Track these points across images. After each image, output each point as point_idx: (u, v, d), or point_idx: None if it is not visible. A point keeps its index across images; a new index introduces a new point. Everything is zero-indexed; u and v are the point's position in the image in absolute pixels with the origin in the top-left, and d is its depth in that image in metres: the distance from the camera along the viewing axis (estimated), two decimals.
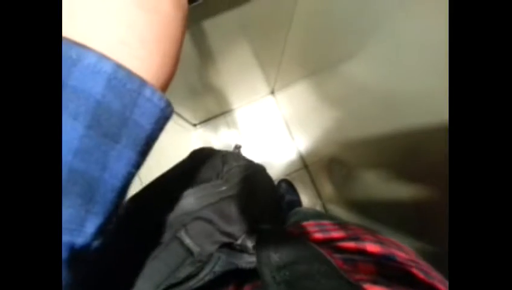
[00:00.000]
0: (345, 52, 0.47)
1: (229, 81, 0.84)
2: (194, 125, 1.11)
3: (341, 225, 0.34)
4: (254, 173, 0.37)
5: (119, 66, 0.12)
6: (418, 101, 0.35)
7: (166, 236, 0.27)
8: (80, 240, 0.13)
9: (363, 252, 0.28)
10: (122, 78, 0.12)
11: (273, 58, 0.78)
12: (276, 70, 0.89)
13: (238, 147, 0.39)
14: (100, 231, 0.13)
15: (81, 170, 0.12)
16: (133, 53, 0.13)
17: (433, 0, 0.25)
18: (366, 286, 0.21)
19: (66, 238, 0.12)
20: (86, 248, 0.13)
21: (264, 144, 1.11)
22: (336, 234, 0.31)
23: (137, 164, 0.14)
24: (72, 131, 0.11)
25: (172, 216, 0.27)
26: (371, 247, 0.28)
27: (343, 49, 0.47)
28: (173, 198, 0.28)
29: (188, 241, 0.27)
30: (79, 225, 0.12)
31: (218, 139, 1.11)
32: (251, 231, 0.29)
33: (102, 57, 0.12)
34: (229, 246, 0.28)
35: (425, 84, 0.32)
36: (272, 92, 1.12)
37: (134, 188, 0.23)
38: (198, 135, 1.11)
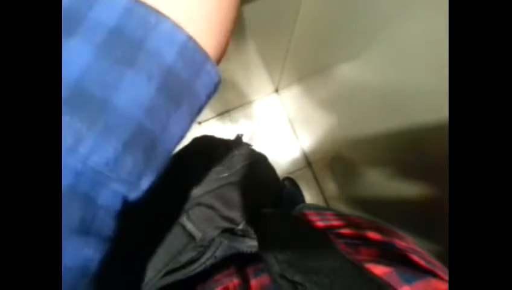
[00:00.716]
0: (348, 52, 0.47)
1: (234, 79, 0.84)
2: (199, 123, 1.12)
3: (342, 215, 0.34)
4: (256, 161, 0.37)
5: (190, 38, 0.13)
6: (419, 99, 0.35)
7: (169, 221, 0.27)
8: (133, 194, 0.13)
9: (364, 238, 0.28)
10: (191, 49, 0.13)
11: (278, 56, 0.79)
12: (281, 69, 0.89)
13: (239, 137, 0.39)
14: (148, 191, 0.14)
15: (148, 126, 0.12)
16: (201, 28, 0.14)
17: (434, 1, 0.26)
18: (368, 265, 0.21)
19: (123, 190, 0.13)
20: (134, 205, 0.14)
21: (268, 142, 1.11)
22: (337, 222, 0.32)
23: (188, 130, 0.15)
24: (146, 90, 0.12)
25: (174, 202, 0.28)
26: (372, 234, 0.28)
27: (347, 49, 0.48)
28: (175, 184, 0.29)
29: (189, 226, 0.27)
30: (137, 179, 0.13)
31: (223, 136, 1.12)
32: (252, 216, 0.29)
33: (176, 26, 0.12)
34: (230, 231, 0.28)
35: (427, 82, 0.32)
36: (276, 90, 1.13)
37: None
38: (202, 132, 1.12)
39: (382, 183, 0.58)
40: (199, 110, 0.15)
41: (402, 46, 0.34)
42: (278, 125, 1.13)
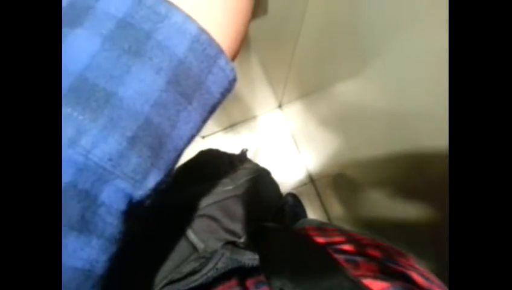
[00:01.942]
0: (350, 69, 0.48)
1: (238, 94, 0.86)
2: (203, 137, 1.13)
3: (343, 231, 0.34)
4: (259, 176, 0.38)
5: (202, 30, 0.12)
6: (422, 121, 0.35)
7: (172, 231, 0.28)
8: (139, 193, 0.12)
9: (364, 255, 0.28)
10: (203, 42, 0.12)
11: (281, 72, 0.80)
12: (284, 85, 0.91)
13: (244, 151, 0.40)
14: (156, 189, 0.13)
15: (155, 122, 0.12)
16: (215, 21, 0.13)
17: (435, 18, 0.27)
18: (366, 281, 0.21)
19: (127, 187, 0.12)
20: (141, 203, 0.13)
21: (271, 157, 1.12)
22: (338, 238, 0.32)
23: (199, 129, 0.15)
24: (153, 83, 0.11)
25: (179, 212, 0.28)
26: (372, 251, 0.28)
27: (349, 66, 0.48)
28: (180, 195, 0.29)
29: (193, 237, 0.27)
30: (142, 177, 0.12)
31: (226, 150, 1.13)
32: (254, 230, 0.30)
33: (188, 17, 0.12)
34: (232, 244, 0.29)
35: (429, 103, 0.32)
36: (280, 106, 1.14)
37: None
38: (206, 146, 1.13)
39: (384, 203, 0.58)
40: (212, 109, 0.15)
41: (404, 66, 0.35)
42: (281, 140, 1.13)
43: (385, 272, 0.24)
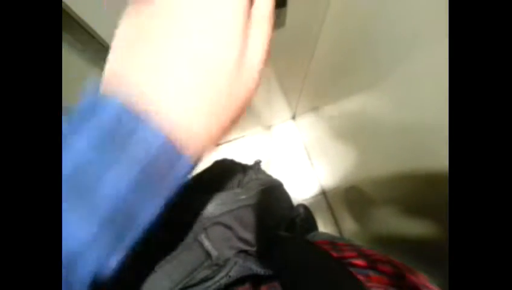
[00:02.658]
0: (365, 82, 0.49)
1: (252, 104, 0.87)
2: (217, 145, 1.15)
3: (354, 245, 0.34)
4: (272, 187, 0.38)
5: (169, 140, 0.14)
6: (438, 135, 0.35)
7: (188, 238, 0.29)
8: (104, 272, 0.15)
9: (375, 269, 0.28)
10: (169, 150, 0.14)
11: (296, 84, 0.81)
12: (298, 96, 0.92)
13: (258, 163, 0.41)
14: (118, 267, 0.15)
15: (123, 212, 0.14)
16: (198, 121, 0.15)
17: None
18: None
19: (94, 268, 0.14)
20: (104, 278, 0.15)
21: (283, 168, 1.12)
22: (349, 253, 0.32)
23: (158, 213, 0.16)
24: (124, 183, 0.14)
25: (194, 220, 0.29)
26: (383, 267, 0.28)
27: (364, 79, 0.49)
28: (196, 203, 0.30)
29: (207, 244, 0.28)
30: (105, 260, 0.14)
31: (239, 159, 1.14)
32: (266, 239, 0.30)
33: (157, 129, 0.14)
34: (245, 252, 0.29)
35: (442, 121, 0.32)
36: (293, 117, 1.15)
37: None
38: (219, 155, 1.15)
39: (397, 218, 0.57)
40: (170, 194, 0.17)
41: (418, 81, 0.35)
42: (294, 151, 1.14)
43: (396, 285, 0.24)
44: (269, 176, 0.41)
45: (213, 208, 0.30)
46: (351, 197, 0.83)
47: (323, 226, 1.04)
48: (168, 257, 0.27)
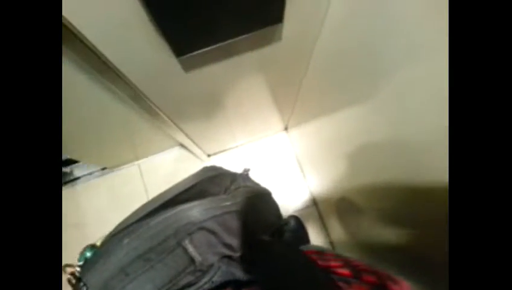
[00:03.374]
0: (358, 96, 0.50)
1: (246, 116, 0.89)
2: (209, 155, 1.16)
3: (341, 256, 0.34)
4: (259, 194, 0.39)
5: None
6: (425, 148, 0.36)
7: (171, 242, 0.28)
8: None
9: (359, 279, 0.28)
10: None
11: (290, 95, 0.82)
12: (291, 108, 0.94)
13: (246, 170, 0.42)
14: None
15: None
16: None
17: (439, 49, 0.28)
18: None
19: None
20: None
21: (275, 179, 1.13)
22: (335, 263, 0.32)
23: None
24: None
25: (179, 224, 0.29)
26: (367, 277, 0.29)
27: (357, 93, 0.50)
28: (181, 207, 0.30)
29: (191, 249, 0.28)
30: None
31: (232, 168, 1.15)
32: (250, 246, 0.31)
33: None
34: (229, 258, 0.30)
35: (434, 132, 0.33)
36: (286, 129, 1.17)
37: None
38: (211, 164, 1.16)
39: (386, 228, 0.57)
40: None
41: (407, 96, 0.36)
42: (286, 162, 1.15)
43: None
44: (257, 184, 0.41)
45: (198, 213, 0.30)
46: (343, 209, 0.83)
47: (315, 237, 1.04)
48: (153, 262, 0.27)
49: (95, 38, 0.36)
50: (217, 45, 0.42)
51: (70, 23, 0.32)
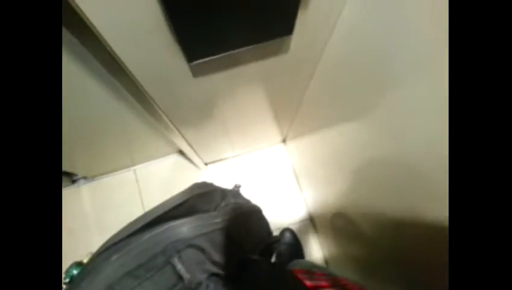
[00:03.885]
0: (359, 114, 0.50)
1: (245, 125, 0.89)
2: (206, 164, 1.15)
3: (331, 275, 0.35)
4: (249, 212, 0.39)
5: None
6: (424, 168, 0.36)
7: (160, 259, 0.28)
8: None
9: None
10: None
11: (290, 108, 0.83)
12: (291, 120, 0.94)
13: (237, 187, 0.42)
14: None
15: None
16: None
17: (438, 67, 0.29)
18: None
19: None
20: None
21: (271, 190, 1.12)
22: (324, 283, 0.32)
23: None
24: None
25: (167, 241, 0.29)
26: None
27: (356, 111, 0.51)
28: (170, 224, 0.30)
29: (180, 267, 0.28)
30: None
31: (227, 180, 1.14)
32: (239, 263, 0.30)
33: None
34: (217, 276, 0.29)
35: (433, 152, 0.33)
36: (284, 141, 1.17)
37: None
38: (207, 173, 1.15)
39: (380, 246, 0.57)
40: None
41: (406, 115, 0.36)
42: (283, 175, 1.15)
43: None
44: (248, 201, 0.41)
45: (187, 230, 0.30)
46: (338, 225, 0.83)
47: (309, 251, 1.03)
48: (141, 279, 0.27)
49: (112, 37, 0.36)
50: (227, 53, 0.43)
51: (89, 20, 0.33)
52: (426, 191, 0.37)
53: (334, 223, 0.86)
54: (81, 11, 0.31)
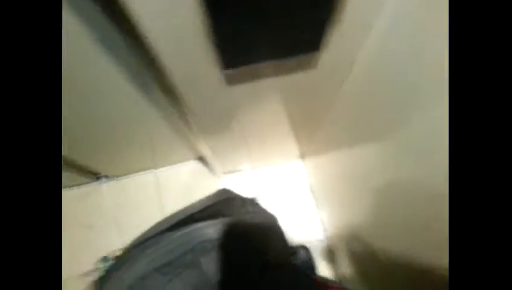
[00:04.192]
0: (385, 134, 0.50)
1: (266, 138, 0.90)
2: (224, 173, 1.17)
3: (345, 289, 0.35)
4: (268, 220, 0.40)
5: None
6: (443, 193, 0.35)
7: (189, 258, 0.29)
8: None
9: None
10: None
11: (312, 124, 0.83)
12: (310, 137, 0.95)
13: (255, 197, 0.44)
14: None
15: None
16: None
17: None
18: None
19: None
20: None
21: (287, 206, 1.12)
22: None
23: None
24: None
25: (197, 241, 0.30)
26: None
27: (384, 131, 0.50)
28: (197, 225, 0.32)
29: (207, 266, 0.29)
30: None
31: (243, 191, 1.15)
32: (261, 266, 0.31)
33: None
34: (241, 276, 0.30)
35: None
36: (302, 157, 1.17)
37: None
38: (225, 182, 1.16)
39: (395, 271, 0.56)
40: None
41: (429, 140, 0.36)
42: (299, 191, 1.14)
43: None
44: (265, 211, 0.43)
45: (213, 232, 0.31)
46: (353, 245, 0.81)
47: (323, 270, 1.00)
48: (170, 275, 0.28)
49: (155, 38, 0.38)
50: (260, 64, 0.45)
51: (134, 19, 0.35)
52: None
53: (349, 245, 0.84)
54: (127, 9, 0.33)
